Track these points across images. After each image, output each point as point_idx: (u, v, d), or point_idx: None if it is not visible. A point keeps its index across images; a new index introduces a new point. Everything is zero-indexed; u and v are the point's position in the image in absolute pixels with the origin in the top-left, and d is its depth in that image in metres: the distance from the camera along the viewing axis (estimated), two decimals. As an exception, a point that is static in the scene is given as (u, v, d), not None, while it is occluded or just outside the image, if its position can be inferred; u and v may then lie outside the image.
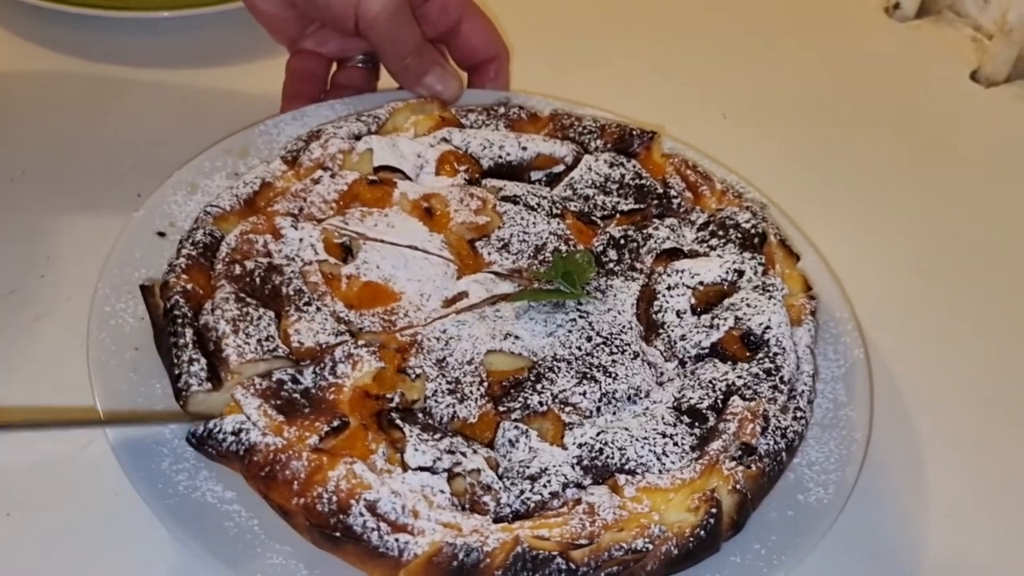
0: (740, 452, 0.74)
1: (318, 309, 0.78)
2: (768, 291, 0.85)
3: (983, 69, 1.29)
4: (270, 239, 0.83)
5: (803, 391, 0.81)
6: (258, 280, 0.80)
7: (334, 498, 0.68)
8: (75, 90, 1.17)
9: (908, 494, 0.87)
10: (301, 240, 0.83)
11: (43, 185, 1.05)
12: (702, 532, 0.70)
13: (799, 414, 0.79)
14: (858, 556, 0.82)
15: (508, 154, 0.95)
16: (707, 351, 0.82)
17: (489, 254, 0.87)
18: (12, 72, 1.17)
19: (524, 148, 0.96)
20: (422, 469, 0.70)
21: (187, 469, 0.73)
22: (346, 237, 0.84)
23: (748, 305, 0.84)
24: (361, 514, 0.67)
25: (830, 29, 1.39)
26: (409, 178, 0.92)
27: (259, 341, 0.74)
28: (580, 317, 0.82)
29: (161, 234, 0.89)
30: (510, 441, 0.75)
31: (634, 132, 0.99)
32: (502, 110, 1.01)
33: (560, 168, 0.96)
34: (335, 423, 0.71)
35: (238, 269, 0.80)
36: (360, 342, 0.76)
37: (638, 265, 0.88)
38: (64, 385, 0.85)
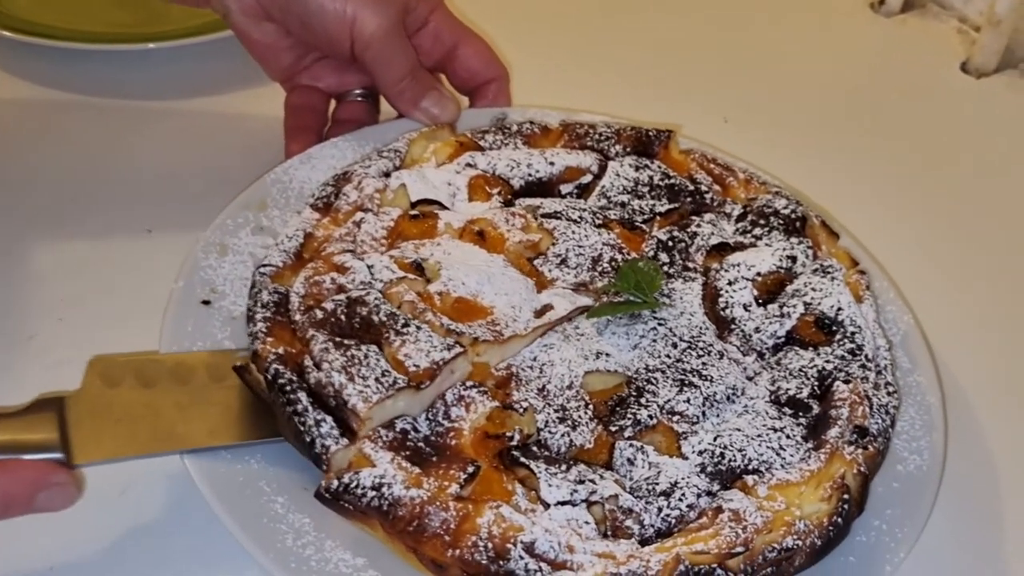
0: (855, 435, 0.75)
1: (418, 328, 0.76)
2: (828, 272, 0.86)
3: (973, 60, 1.32)
4: (336, 275, 0.81)
5: (885, 365, 0.83)
6: (343, 317, 0.77)
7: (490, 545, 0.66)
8: (77, 125, 1.13)
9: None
10: (371, 267, 0.81)
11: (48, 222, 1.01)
12: (838, 519, 0.71)
13: (891, 389, 0.81)
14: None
15: (537, 171, 0.94)
16: (783, 340, 0.84)
17: (550, 271, 0.86)
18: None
19: (551, 163, 0.95)
20: (561, 504, 0.69)
21: (312, 543, 0.70)
22: (417, 257, 0.82)
23: (813, 289, 0.85)
24: (521, 557, 0.66)
25: (818, 28, 1.41)
26: (447, 208, 0.90)
27: (376, 380, 0.72)
28: (659, 325, 0.82)
29: (206, 302, 0.85)
30: (628, 460, 0.74)
31: (650, 133, 0.99)
32: (515, 128, 1.00)
33: (588, 178, 0.96)
34: (470, 469, 0.70)
35: (320, 314, 0.77)
36: (469, 383, 0.75)
37: (691, 264, 0.89)
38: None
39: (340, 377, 0.71)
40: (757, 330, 0.84)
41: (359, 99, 1.05)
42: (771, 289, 0.88)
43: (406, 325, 0.76)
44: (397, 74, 0.99)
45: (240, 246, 0.90)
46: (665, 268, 0.88)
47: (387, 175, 0.92)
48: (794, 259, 0.88)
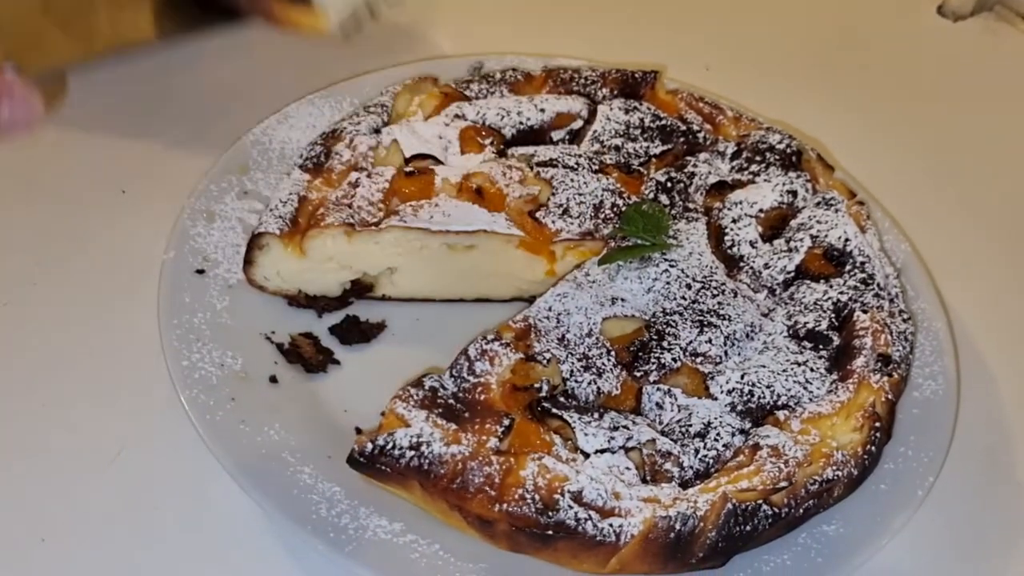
0: (879, 363, 0.75)
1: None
2: (831, 205, 0.86)
3: (949, 3, 1.31)
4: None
5: (897, 293, 0.83)
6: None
7: (537, 496, 0.65)
8: None
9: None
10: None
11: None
12: (872, 447, 0.72)
13: (905, 316, 0.81)
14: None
15: (528, 119, 0.92)
16: (793, 275, 0.83)
17: (553, 222, 0.84)
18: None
19: (542, 110, 0.93)
20: (600, 451, 0.68)
21: (347, 511, 0.68)
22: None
23: (818, 222, 0.85)
24: (570, 506, 0.65)
25: None
26: (441, 162, 0.88)
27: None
28: (671, 267, 0.81)
29: (200, 271, 0.82)
30: (657, 404, 0.73)
31: (635, 75, 0.97)
32: (498, 76, 0.97)
33: (578, 124, 0.94)
34: (505, 422, 0.68)
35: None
36: (489, 336, 0.73)
37: (691, 205, 0.88)
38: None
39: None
40: (766, 266, 0.84)
41: None
42: (774, 225, 0.87)
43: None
44: None
45: (227, 212, 0.87)
46: (667, 210, 0.87)
47: (377, 131, 0.89)
48: (795, 193, 0.88)
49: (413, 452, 0.66)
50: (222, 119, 0.99)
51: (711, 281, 0.81)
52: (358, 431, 0.75)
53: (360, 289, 0.85)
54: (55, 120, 0.96)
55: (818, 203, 0.87)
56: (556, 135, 0.94)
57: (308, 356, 0.81)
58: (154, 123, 1.01)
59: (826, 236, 0.84)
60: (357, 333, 0.84)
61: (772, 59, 1.21)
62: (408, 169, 0.86)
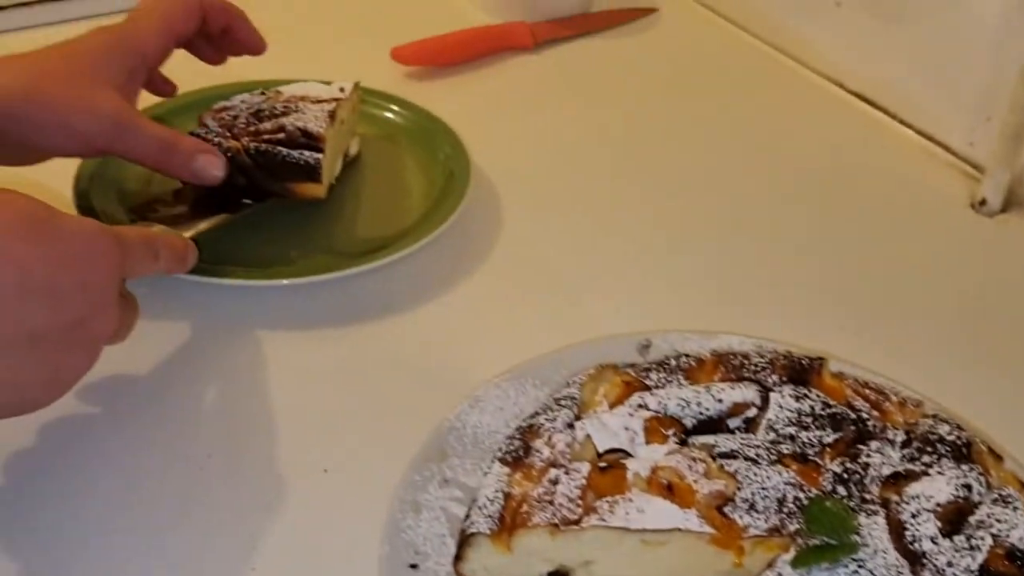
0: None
1: None
2: (1009, 503, 0.90)
3: None
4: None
5: (1082, 595, 0.85)
6: None
7: None
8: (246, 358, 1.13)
9: None
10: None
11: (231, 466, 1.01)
12: None
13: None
14: None
15: (707, 409, 0.98)
16: (977, 574, 0.87)
17: (740, 518, 0.89)
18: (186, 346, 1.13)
19: (719, 400, 0.99)
20: None
21: None
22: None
23: (997, 520, 0.88)
24: None
25: (919, 231, 1.41)
26: (630, 454, 0.94)
27: None
28: (859, 567, 0.85)
29: (413, 566, 0.88)
30: None
31: (803, 361, 1.03)
32: (673, 362, 1.04)
33: (752, 412, 1.00)
34: None
35: None
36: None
37: (868, 496, 0.92)
38: None
39: None
40: (949, 564, 0.87)
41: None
42: (951, 519, 0.91)
43: None
44: (152, 153, 1.05)
45: (431, 501, 0.94)
46: (846, 502, 0.91)
47: (570, 426, 0.96)
48: (969, 487, 0.92)
49: None
50: (415, 396, 1.07)
51: (900, 582, 0.85)
52: None
53: (557, 577, 0.91)
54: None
55: (995, 500, 0.91)
56: (732, 423, 0.99)
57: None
58: (346, 402, 1.09)
59: (1007, 536, 0.87)
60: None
61: (905, 322, 1.25)
62: (602, 464, 0.92)
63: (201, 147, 1.10)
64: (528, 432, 0.95)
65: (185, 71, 1.27)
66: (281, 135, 1.16)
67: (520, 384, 1.05)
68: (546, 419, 0.96)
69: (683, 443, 0.96)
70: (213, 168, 1.10)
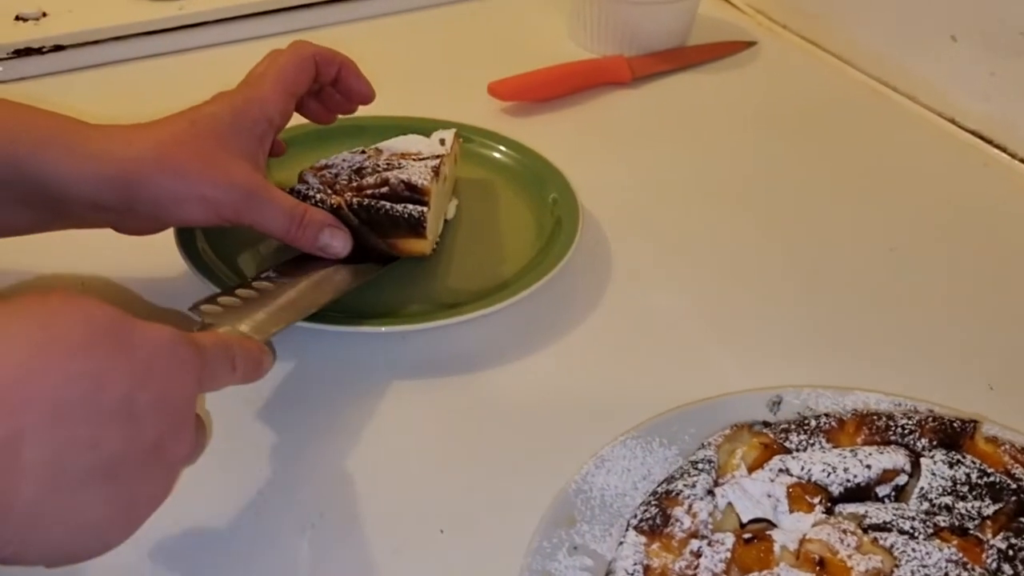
0: None
1: None
2: None
3: None
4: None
5: None
6: None
7: None
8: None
9: None
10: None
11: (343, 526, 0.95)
12: None
13: None
14: None
15: (855, 476, 0.92)
16: None
17: (901, 600, 0.82)
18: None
19: (868, 466, 0.92)
20: None
21: None
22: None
23: None
24: None
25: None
26: (774, 525, 0.87)
27: None
28: (1037, 658, 0.78)
29: (547, 643, 0.82)
30: None
31: (954, 424, 0.96)
32: (813, 423, 0.97)
33: (903, 479, 0.93)
34: None
35: None
36: None
37: (1036, 575, 0.85)
38: None
39: None
40: None
41: None
42: None
43: None
44: (281, 225, 1.02)
45: (561, 571, 0.88)
46: (1013, 582, 0.84)
47: (710, 492, 0.89)
48: None
49: None
50: (532, 452, 1.02)
51: (1083, 676, 0.77)
52: None
53: (699, 660, 0.84)
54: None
55: None
56: (881, 490, 0.92)
57: None
58: (460, 457, 1.03)
59: None
60: None
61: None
62: (746, 535, 0.85)
63: (328, 221, 1.07)
64: (666, 499, 0.89)
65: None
66: (384, 189, 1.11)
67: (647, 443, 0.99)
68: (684, 485, 0.90)
69: (829, 512, 0.90)
70: (338, 242, 1.07)
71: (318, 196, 1.12)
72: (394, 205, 1.10)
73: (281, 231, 1.04)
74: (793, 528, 0.88)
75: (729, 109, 1.66)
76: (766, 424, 1.00)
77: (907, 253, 1.34)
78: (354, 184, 1.15)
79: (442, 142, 1.26)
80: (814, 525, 0.88)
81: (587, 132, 1.58)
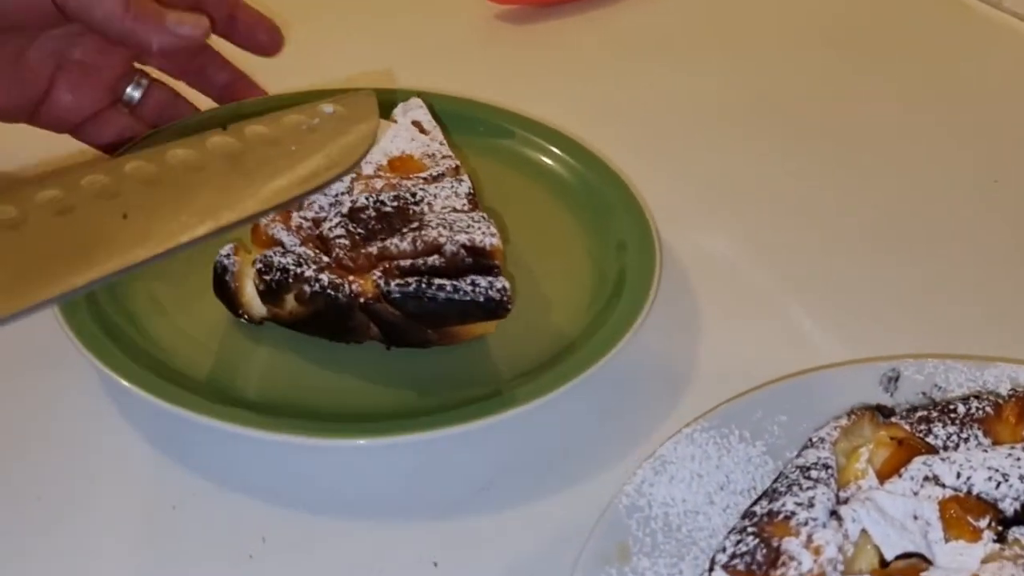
0: None
1: None
2: None
3: None
4: None
5: None
6: None
7: None
8: None
9: None
10: None
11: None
12: None
13: None
14: None
15: (1035, 487, 0.64)
16: None
17: None
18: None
19: (1053, 473, 0.64)
20: None
21: None
22: None
23: None
24: None
25: None
26: (928, 561, 0.60)
27: None
28: None
29: None
30: None
31: None
32: (962, 409, 0.69)
33: (1098, 490, 0.65)
34: None
35: None
36: None
37: None
38: None
39: None
40: None
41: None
42: None
43: None
44: (112, 7, 0.82)
45: (613, 625, 0.60)
46: None
47: (834, 513, 0.61)
48: None
49: None
50: (570, 458, 0.74)
51: None
52: None
53: None
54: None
55: None
56: (1069, 507, 0.65)
57: None
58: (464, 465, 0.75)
59: None
60: None
61: None
62: (895, 583, 0.57)
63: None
64: (769, 524, 0.61)
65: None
66: (435, 258, 0.73)
67: (722, 437, 0.71)
68: (796, 503, 0.61)
69: (1001, 539, 0.62)
70: (186, 27, 0.84)
71: (326, 281, 0.71)
72: (458, 284, 0.72)
73: (116, 18, 0.82)
74: (956, 566, 0.60)
75: (784, 16, 1.37)
76: (880, 409, 0.73)
77: (1016, 185, 1.07)
78: (372, 250, 0.75)
79: (421, 129, 0.84)
80: (984, 561, 0.60)
81: (609, 44, 1.27)
